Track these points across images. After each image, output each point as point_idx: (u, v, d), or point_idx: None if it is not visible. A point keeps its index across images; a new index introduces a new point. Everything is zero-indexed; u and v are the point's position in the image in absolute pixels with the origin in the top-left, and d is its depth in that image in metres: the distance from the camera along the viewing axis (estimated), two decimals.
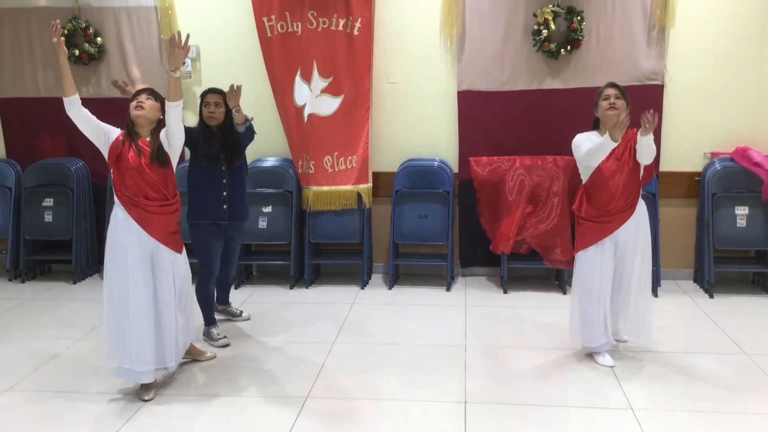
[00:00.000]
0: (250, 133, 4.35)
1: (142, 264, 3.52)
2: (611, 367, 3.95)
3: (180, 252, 3.70)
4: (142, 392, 3.64)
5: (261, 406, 3.60)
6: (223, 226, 4.34)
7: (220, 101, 4.27)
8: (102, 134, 3.59)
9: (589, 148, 3.76)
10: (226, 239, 4.42)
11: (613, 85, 3.86)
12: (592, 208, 3.88)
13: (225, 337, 4.41)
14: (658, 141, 5.33)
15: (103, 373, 3.89)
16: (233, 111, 4.21)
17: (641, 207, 3.93)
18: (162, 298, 3.59)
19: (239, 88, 4.14)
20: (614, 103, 3.75)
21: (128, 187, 3.53)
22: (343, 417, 3.47)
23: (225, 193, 4.30)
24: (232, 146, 4.32)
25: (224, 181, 4.30)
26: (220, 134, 4.30)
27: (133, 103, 3.58)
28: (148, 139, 3.60)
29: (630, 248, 3.91)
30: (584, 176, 3.91)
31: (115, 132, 3.61)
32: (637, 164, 3.82)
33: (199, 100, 4.38)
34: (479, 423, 3.37)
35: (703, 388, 3.73)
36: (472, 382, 3.80)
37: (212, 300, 4.51)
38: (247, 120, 4.27)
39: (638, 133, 3.69)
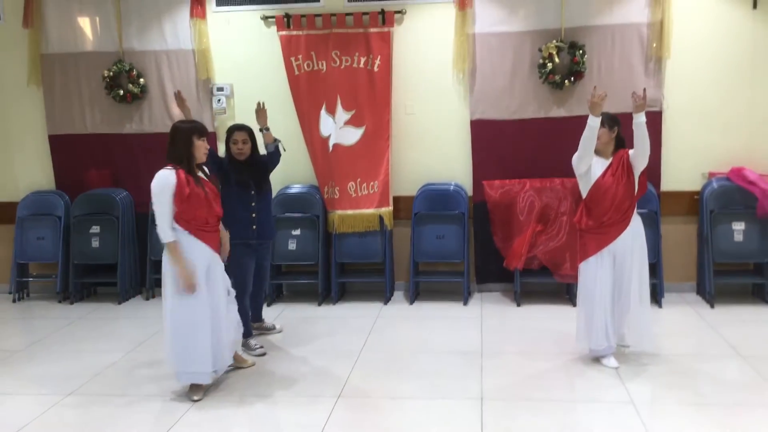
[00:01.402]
0: (277, 154, 4.86)
1: (204, 277, 3.96)
2: (615, 368, 4.31)
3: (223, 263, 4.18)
4: (192, 393, 4.06)
5: (296, 405, 4.01)
6: (254, 246, 4.78)
7: (247, 138, 4.74)
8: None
9: (580, 142, 4.15)
10: (258, 259, 4.86)
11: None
12: (591, 221, 4.29)
13: (262, 347, 4.83)
14: (658, 162, 5.76)
15: (155, 379, 4.35)
16: (263, 132, 4.77)
17: (637, 222, 4.34)
18: (218, 307, 4.04)
19: (265, 108, 4.83)
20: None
21: (198, 218, 3.93)
22: (370, 413, 3.89)
23: (254, 215, 4.76)
24: (260, 173, 4.81)
25: (253, 204, 4.76)
26: (248, 164, 4.77)
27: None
28: (201, 174, 4.02)
29: (628, 259, 4.30)
30: (583, 191, 4.33)
31: (173, 177, 3.86)
32: (631, 179, 4.24)
33: (225, 135, 4.83)
34: (495, 416, 3.74)
35: (701, 386, 4.09)
36: (488, 382, 4.19)
37: (248, 313, 4.92)
38: (275, 140, 4.79)
39: (633, 113, 4.11)
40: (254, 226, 4.75)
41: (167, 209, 3.81)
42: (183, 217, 3.91)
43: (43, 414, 3.94)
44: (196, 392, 4.06)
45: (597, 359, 4.43)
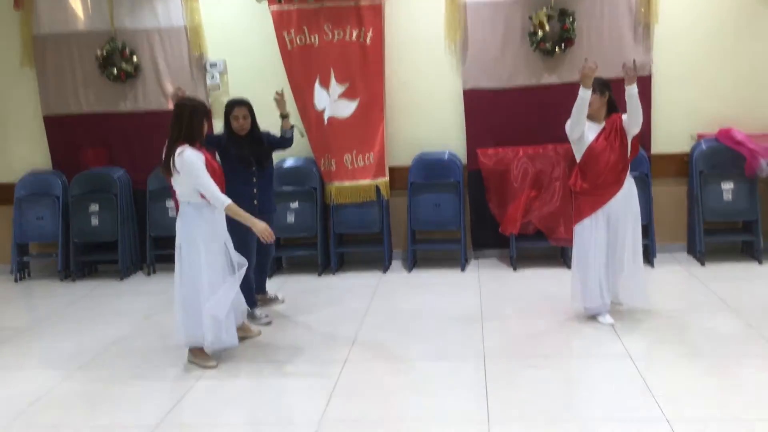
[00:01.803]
0: (291, 137, 4.96)
1: (225, 246, 4.17)
2: (611, 324, 4.46)
3: None
4: (206, 361, 4.17)
5: (305, 369, 4.13)
6: None
7: (247, 113, 4.79)
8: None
9: (572, 112, 4.25)
10: None
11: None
12: (586, 183, 4.40)
13: (267, 315, 4.94)
14: (648, 126, 5.86)
15: (165, 350, 4.45)
16: (283, 119, 4.88)
17: (630, 183, 4.46)
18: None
19: (284, 96, 4.89)
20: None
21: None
22: (378, 376, 4.02)
23: (255, 191, 4.83)
24: (262, 150, 4.87)
25: (254, 180, 4.83)
26: (248, 139, 4.83)
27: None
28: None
29: (622, 220, 4.43)
30: (578, 155, 4.44)
31: (201, 156, 4.00)
32: (624, 142, 4.35)
33: (224, 110, 4.85)
34: (498, 372, 3.88)
35: (694, 338, 4.25)
36: (489, 342, 4.32)
37: (253, 285, 5.01)
38: (292, 127, 4.94)
39: (625, 85, 4.20)
40: (255, 201, 4.82)
41: (211, 180, 3.96)
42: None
43: (58, 386, 4.04)
44: (209, 359, 4.18)
45: (593, 317, 4.57)
